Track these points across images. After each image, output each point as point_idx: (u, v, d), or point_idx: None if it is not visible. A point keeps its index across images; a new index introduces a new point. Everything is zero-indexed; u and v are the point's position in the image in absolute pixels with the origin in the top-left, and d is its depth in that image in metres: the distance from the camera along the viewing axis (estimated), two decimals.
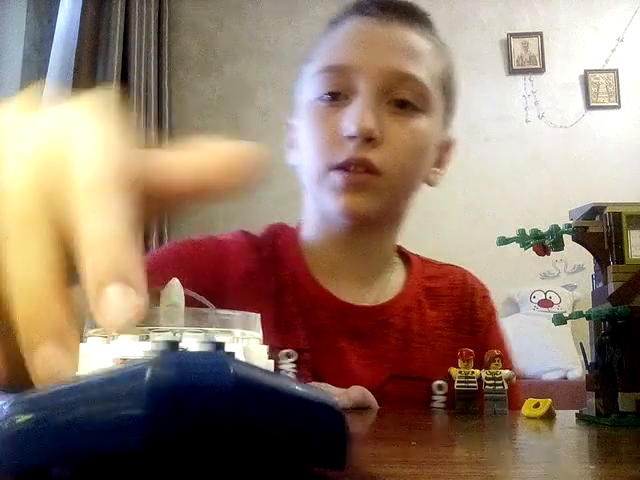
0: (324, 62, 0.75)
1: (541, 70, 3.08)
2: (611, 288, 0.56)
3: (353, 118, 0.70)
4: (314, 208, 0.80)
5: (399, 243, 0.88)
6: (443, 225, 2.93)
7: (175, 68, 3.02)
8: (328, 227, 0.78)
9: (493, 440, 0.46)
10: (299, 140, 0.79)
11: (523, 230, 0.63)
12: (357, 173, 0.71)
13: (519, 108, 3.05)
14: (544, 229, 0.62)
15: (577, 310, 0.60)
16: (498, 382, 0.63)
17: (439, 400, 0.76)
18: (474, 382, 0.64)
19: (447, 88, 0.79)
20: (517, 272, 2.72)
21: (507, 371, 0.64)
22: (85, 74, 2.55)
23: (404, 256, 0.87)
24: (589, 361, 0.60)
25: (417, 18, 0.78)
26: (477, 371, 0.64)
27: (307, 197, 0.81)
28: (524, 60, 3.08)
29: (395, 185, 0.73)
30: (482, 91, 3.07)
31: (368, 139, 0.70)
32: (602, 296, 0.58)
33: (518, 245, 0.63)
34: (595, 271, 0.61)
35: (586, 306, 0.62)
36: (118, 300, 0.20)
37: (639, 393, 0.54)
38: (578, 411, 0.61)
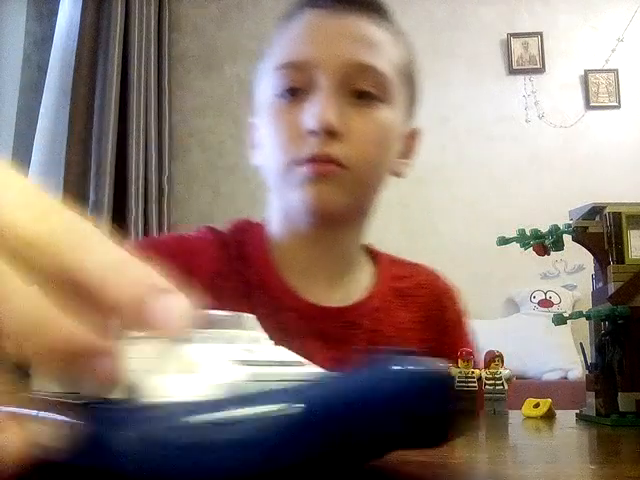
0: (281, 58, 0.73)
1: (541, 70, 3.08)
2: (611, 288, 0.56)
3: (314, 112, 0.68)
4: (278, 207, 0.77)
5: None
6: (443, 225, 2.93)
7: (175, 68, 3.02)
8: (292, 226, 0.76)
9: (493, 440, 0.46)
10: (261, 139, 0.77)
11: (523, 230, 0.63)
12: (324, 163, 0.69)
13: (519, 108, 3.05)
14: (544, 229, 0.62)
15: (577, 310, 0.60)
16: (498, 382, 0.63)
17: None
18: (474, 382, 0.64)
19: (408, 77, 0.77)
20: (517, 272, 2.72)
21: (507, 371, 0.64)
22: (85, 74, 2.54)
23: (373, 254, 0.85)
24: (589, 361, 0.60)
25: (373, 8, 0.76)
26: (477, 371, 0.64)
27: (271, 196, 0.78)
28: (524, 60, 3.08)
29: (361, 179, 0.71)
30: (482, 91, 3.07)
31: (330, 133, 0.68)
32: (602, 296, 0.58)
33: (518, 245, 0.63)
34: (595, 271, 0.61)
35: (586, 306, 0.62)
36: (177, 305, 0.22)
37: (639, 393, 0.54)
38: (578, 411, 0.61)
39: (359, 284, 0.80)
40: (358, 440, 0.23)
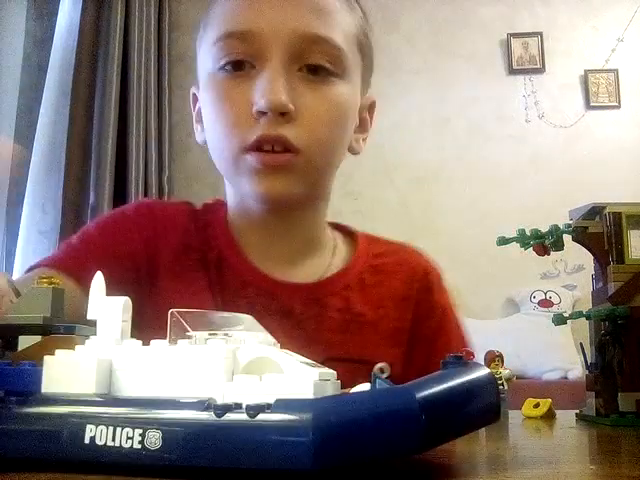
0: (224, 27, 0.66)
1: (541, 70, 3.08)
2: (611, 288, 0.56)
3: (263, 91, 0.62)
4: (231, 190, 0.74)
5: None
6: (443, 225, 2.93)
7: (175, 68, 3.01)
8: (246, 209, 0.72)
9: (493, 440, 0.46)
10: (204, 115, 0.71)
11: (523, 230, 0.63)
12: (273, 153, 0.64)
13: (519, 108, 3.05)
14: (544, 229, 0.62)
15: (577, 310, 0.60)
16: (498, 382, 0.63)
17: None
18: None
19: (363, 46, 0.72)
20: (517, 272, 2.72)
21: (507, 371, 0.64)
22: (85, 74, 2.54)
23: (350, 235, 0.80)
24: (589, 361, 0.60)
25: None
26: None
27: (224, 177, 0.74)
28: (524, 60, 3.08)
29: (315, 162, 0.66)
30: (482, 91, 3.07)
31: (281, 114, 0.63)
32: (602, 296, 0.58)
33: (518, 245, 0.63)
34: (595, 271, 0.61)
35: (586, 306, 0.62)
36: None
37: (639, 393, 0.54)
38: (578, 411, 0.61)
39: (326, 263, 0.75)
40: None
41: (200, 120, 0.73)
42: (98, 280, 0.34)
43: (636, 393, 0.54)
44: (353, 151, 0.75)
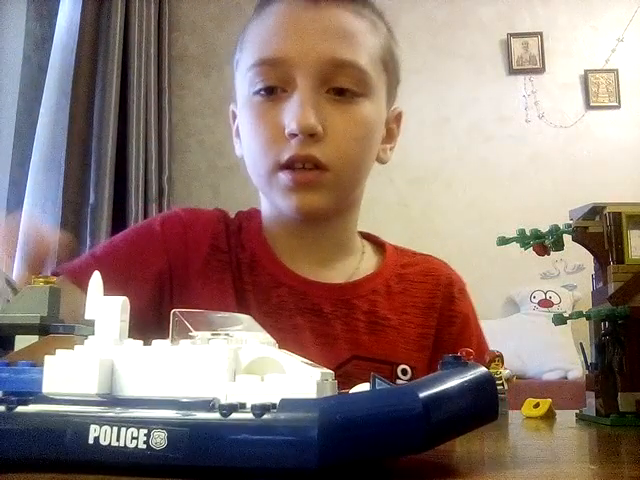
0: (257, 55, 0.72)
1: (541, 70, 3.08)
2: (611, 288, 0.56)
3: (293, 115, 0.67)
4: (265, 201, 0.79)
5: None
6: (443, 225, 2.93)
7: (175, 68, 3.01)
8: (279, 218, 0.77)
9: (493, 440, 0.46)
10: (242, 133, 0.77)
11: (523, 230, 0.63)
12: (304, 171, 0.69)
13: (519, 108, 3.05)
14: (544, 229, 0.62)
15: (577, 310, 0.60)
16: (498, 382, 0.63)
17: None
18: None
19: (388, 63, 0.76)
20: (517, 272, 2.72)
21: (507, 371, 0.64)
22: (85, 74, 2.54)
23: (378, 244, 0.87)
24: (589, 361, 0.60)
25: None
26: None
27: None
28: (524, 60, 3.08)
29: (343, 178, 0.72)
30: (482, 91, 3.07)
31: (310, 135, 0.68)
32: (602, 296, 0.58)
33: (518, 245, 0.63)
34: (595, 271, 0.61)
35: (586, 306, 0.62)
36: None
37: (639, 393, 0.54)
38: (578, 411, 0.61)
39: (359, 270, 0.80)
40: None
41: (238, 135, 0.79)
42: (96, 280, 0.34)
43: (636, 393, 0.54)
44: (381, 161, 0.81)
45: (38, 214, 2.35)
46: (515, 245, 0.63)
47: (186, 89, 3.05)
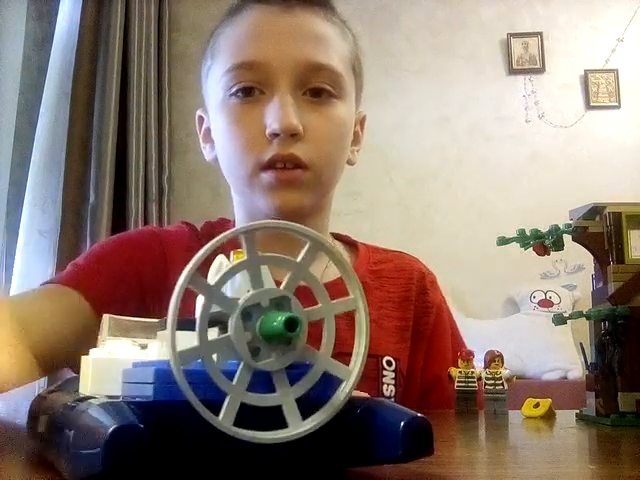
0: (234, 59, 0.74)
1: (541, 70, 3.07)
2: (611, 288, 0.56)
3: (276, 116, 0.70)
4: (241, 206, 0.80)
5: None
6: (443, 225, 2.93)
7: (175, 68, 3.01)
8: (252, 221, 0.79)
9: (493, 440, 0.46)
10: (216, 137, 0.78)
11: (523, 230, 0.63)
12: (286, 170, 0.71)
13: (519, 108, 3.05)
14: (544, 229, 0.62)
15: (577, 310, 0.60)
16: (498, 382, 0.63)
17: (389, 376, 0.77)
18: (474, 382, 0.64)
19: (356, 67, 0.79)
20: (517, 272, 2.72)
21: (507, 371, 0.64)
22: (85, 74, 2.54)
23: (350, 244, 0.89)
24: (589, 361, 0.60)
25: (318, 1, 0.76)
26: (477, 371, 0.64)
27: (234, 195, 0.81)
28: (524, 60, 3.08)
29: (322, 176, 0.74)
30: (482, 91, 3.07)
31: (292, 135, 0.70)
32: (602, 296, 0.58)
33: (518, 245, 0.63)
34: (595, 271, 0.61)
35: (586, 306, 0.62)
36: None
37: (639, 393, 0.54)
38: (578, 411, 0.61)
39: (333, 270, 0.80)
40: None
41: (208, 140, 0.81)
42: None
43: (636, 393, 0.54)
44: (350, 162, 0.83)
45: (38, 214, 2.35)
46: (515, 245, 0.63)
47: (186, 89, 3.05)
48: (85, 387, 0.33)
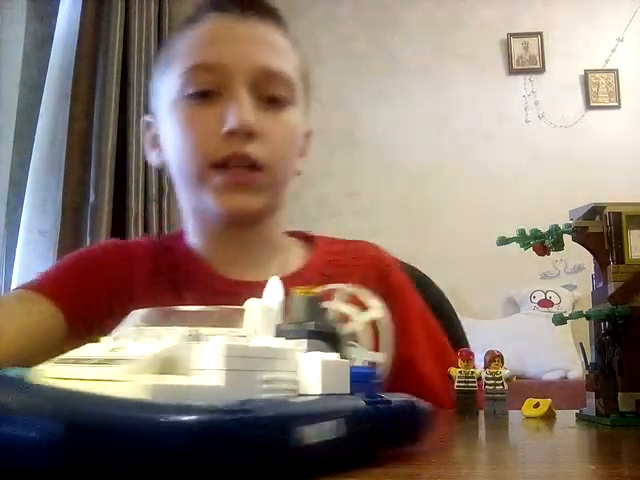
0: (191, 61, 0.75)
1: (541, 70, 3.08)
2: (611, 288, 0.56)
3: (234, 113, 0.71)
4: (191, 207, 0.81)
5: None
6: (443, 225, 2.93)
7: None
8: (207, 226, 0.80)
9: (493, 440, 0.46)
10: (166, 140, 0.79)
11: (523, 230, 0.63)
12: (238, 171, 0.72)
13: (519, 108, 3.05)
14: (544, 229, 0.62)
15: (577, 310, 0.60)
16: (498, 382, 0.63)
17: None
18: (474, 382, 0.64)
19: (306, 79, 0.82)
20: (517, 272, 2.72)
21: (507, 371, 0.64)
22: (85, 74, 2.54)
23: (308, 239, 0.89)
24: (589, 361, 0.60)
25: (272, 15, 0.79)
26: (477, 371, 0.64)
27: (182, 198, 0.81)
28: (524, 60, 3.08)
29: (274, 179, 0.76)
30: (482, 91, 3.07)
31: (248, 133, 0.72)
32: (602, 296, 0.58)
33: (518, 245, 0.63)
34: (595, 271, 0.61)
35: (586, 306, 0.62)
36: None
37: (639, 393, 0.54)
38: (578, 411, 0.61)
39: (288, 265, 0.82)
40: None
41: (156, 145, 0.82)
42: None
43: (636, 393, 0.54)
44: (297, 172, 0.84)
45: (38, 214, 2.35)
46: (515, 245, 0.63)
47: None
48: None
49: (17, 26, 2.50)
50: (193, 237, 0.82)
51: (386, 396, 0.33)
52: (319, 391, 0.31)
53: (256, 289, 0.78)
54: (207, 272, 0.79)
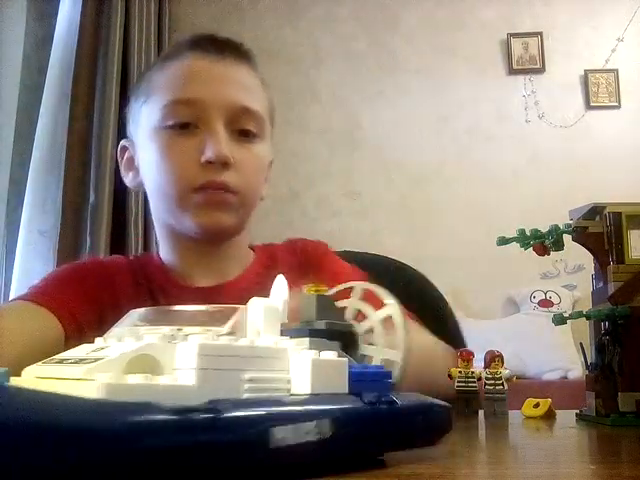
0: (172, 95, 0.83)
1: (541, 70, 3.08)
2: (611, 288, 0.56)
3: (212, 146, 0.80)
4: (164, 226, 0.88)
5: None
6: (443, 225, 2.93)
7: None
8: (179, 241, 0.88)
9: (493, 440, 0.46)
10: (145, 164, 0.87)
11: (523, 230, 0.63)
12: (216, 193, 0.81)
13: (519, 108, 3.05)
14: (544, 229, 0.62)
15: (577, 310, 0.60)
16: (498, 382, 0.63)
17: None
18: (474, 382, 0.64)
19: (272, 117, 0.91)
20: (517, 272, 2.72)
21: (507, 371, 0.64)
22: (85, 74, 2.54)
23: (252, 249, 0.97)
24: (589, 361, 0.60)
25: (246, 57, 0.88)
26: (477, 371, 0.64)
27: (156, 217, 0.89)
28: (524, 60, 3.08)
29: (246, 202, 0.85)
30: (482, 91, 3.07)
31: (224, 164, 0.80)
32: (602, 296, 0.58)
33: (518, 245, 0.63)
34: (595, 271, 0.61)
35: (586, 306, 0.62)
36: None
37: (639, 393, 0.54)
38: (578, 411, 0.61)
39: (232, 269, 0.91)
40: None
41: (132, 169, 0.91)
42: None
43: (636, 393, 0.54)
44: (261, 197, 0.92)
45: (38, 214, 2.35)
46: (515, 245, 0.63)
47: None
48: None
49: (17, 26, 2.50)
50: (165, 253, 0.90)
51: (397, 397, 0.32)
52: (308, 390, 0.30)
53: (218, 291, 0.84)
54: (176, 284, 0.87)
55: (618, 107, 3.03)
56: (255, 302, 0.34)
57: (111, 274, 0.89)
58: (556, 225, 0.61)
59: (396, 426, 0.32)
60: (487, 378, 0.63)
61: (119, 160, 0.94)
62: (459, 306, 2.58)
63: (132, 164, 0.91)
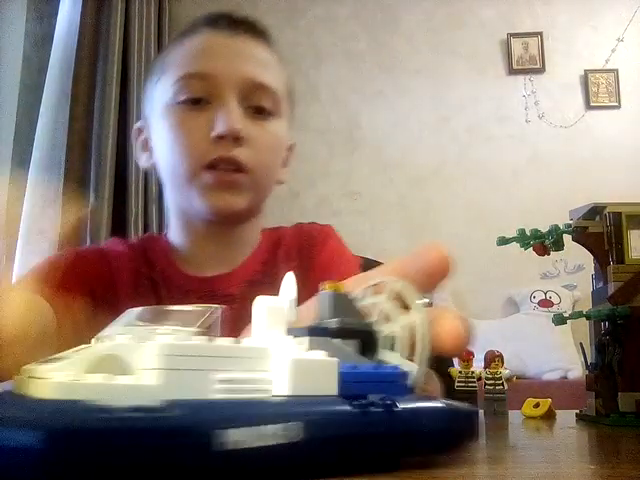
0: (185, 69, 0.81)
1: (541, 70, 3.08)
2: (611, 288, 0.56)
3: (223, 120, 0.77)
4: (177, 207, 0.85)
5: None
6: (443, 225, 2.93)
7: None
8: (189, 224, 0.84)
9: (493, 440, 0.46)
10: (157, 142, 0.84)
11: (523, 230, 0.63)
12: (226, 172, 0.78)
13: (519, 108, 3.05)
14: (544, 229, 0.62)
15: (577, 310, 0.60)
16: (498, 382, 0.63)
17: None
18: (474, 382, 0.64)
19: (290, 96, 0.88)
20: (517, 272, 2.72)
21: (507, 371, 0.64)
22: (85, 74, 2.54)
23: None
24: (589, 361, 0.60)
25: (261, 33, 0.86)
26: (477, 371, 0.64)
27: (168, 199, 0.86)
28: (524, 60, 3.08)
29: (257, 182, 0.81)
30: (482, 91, 3.07)
31: (236, 139, 0.77)
32: (602, 296, 0.58)
33: (518, 245, 0.63)
34: (595, 271, 0.61)
35: (586, 306, 0.62)
36: None
37: (639, 393, 0.54)
38: (578, 411, 0.61)
39: (218, 266, 0.88)
40: None
41: (146, 149, 0.87)
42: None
43: (636, 393, 0.54)
44: (280, 181, 0.89)
45: (38, 214, 2.35)
46: (515, 245, 0.63)
47: None
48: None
49: (17, 26, 2.50)
50: (175, 236, 0.86)
51: (408, 400, 0.31)
52: (287, 392, 0.29)
53: (223, 280, 0.82)
54: (180, 273, 0.84)
55: (618, 107, 3.03)
56: (260, 301, 0.34)
57: (111, 266, 0.86)
58: (556, 225, 0.61)
59: (392, 431, 0.30)
60: (487, 378, 0.63)
61: (134, 142, 0.91)
62: (459, 306, 2.59)
63: (147, 146, 0.88)
